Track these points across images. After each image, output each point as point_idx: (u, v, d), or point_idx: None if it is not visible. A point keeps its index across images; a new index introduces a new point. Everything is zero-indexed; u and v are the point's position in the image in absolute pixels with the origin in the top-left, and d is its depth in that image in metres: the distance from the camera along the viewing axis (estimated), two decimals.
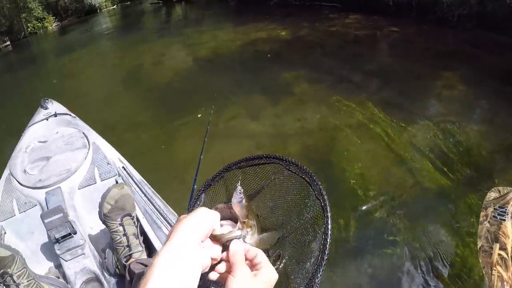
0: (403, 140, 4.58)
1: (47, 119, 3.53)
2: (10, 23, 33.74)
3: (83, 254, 2.12)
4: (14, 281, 1.94)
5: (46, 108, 3.74)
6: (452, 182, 3.83)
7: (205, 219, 0.74)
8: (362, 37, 8.93)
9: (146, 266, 0.90)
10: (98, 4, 39.22)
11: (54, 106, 3.81)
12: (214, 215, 0.76)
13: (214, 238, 0.78)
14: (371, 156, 4.41)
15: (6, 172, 2.87)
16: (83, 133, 3.11)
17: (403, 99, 5.58)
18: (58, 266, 2.21)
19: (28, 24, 34.49)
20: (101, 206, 2.12)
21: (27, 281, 1.98)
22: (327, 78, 6.68)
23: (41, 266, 2.26)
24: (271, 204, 1.28)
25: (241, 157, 1.35)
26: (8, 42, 30.85)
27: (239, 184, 0.88)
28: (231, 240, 0.79)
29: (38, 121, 3.54)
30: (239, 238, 0.81)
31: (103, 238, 2.34)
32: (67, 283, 2.09)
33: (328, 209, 1.07)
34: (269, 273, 0.82)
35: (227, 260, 0.78)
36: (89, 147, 2.91)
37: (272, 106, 6.00)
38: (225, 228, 0.81)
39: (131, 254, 2.08)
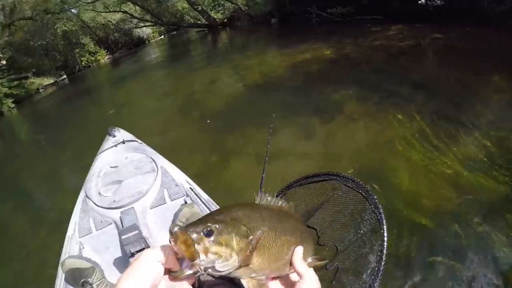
0: (454, 151, 4.49)
1: (116, 145, 3.87)
2: (65, 58, 35.87)
3: None
4: None
5: (114, 136, 4.10)
6: (508, 191, 3.75)
7: (145, 271, 0.76)
8: (406, 48, 8.85)
9: (214, 278, 1.09)
10: (147, 36, 40.87)
11: (121, 134, 4.16)
12: (154, 266, 0.78)
13: (172, 276, 0.81)
14: (424, 169, 4.33)
15: (82, 195, 3.15)
16: (151, 157, 3.36)
17: (452, 109, 5.44)
18: None
19: (82, 58, 36.56)
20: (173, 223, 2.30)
21: None
22: (375, 94, 6.61)
23: (116, 277, 2.45)
24: (330, 219, 1.38)
25: (296, 176, 1.46)
26: (65, 76, 32.99)
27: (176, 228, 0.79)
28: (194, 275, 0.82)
29: (108, 148, 3.88)
30: (195, 275, 0.81)
31: None
32: None
33: (384, 222, 1.17)
34: None
35: None
36: (157, 171, 3.13)
37: (323, 125, 6.03)
38: (184, 264, 0.81)
39: None
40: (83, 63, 37.29)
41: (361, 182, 1.27)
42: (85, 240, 2.76)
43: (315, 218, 1.41)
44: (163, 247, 0.81)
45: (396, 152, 4.80)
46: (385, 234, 1.15)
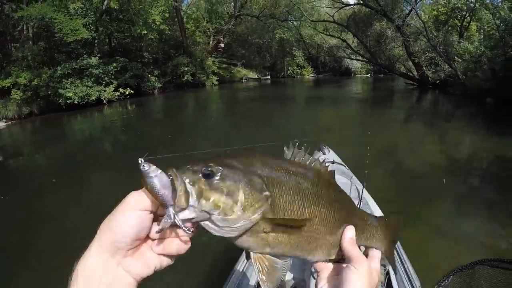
0: None
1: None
2: (274, 61, 39.40)
3: None
4: None
5: (324, 153, 4.29)
6: None
7: (128, 218, 0.60)
8: None
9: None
10: (354, 69, 42.51)
11: (331, 154, 4.34)
12: (138, 213, 0.61)
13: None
14: None
15: None
16: (356, 186, 3.40)
17: None
18: None
19: (289, 68, 39.74)
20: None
21: None
22: None
23: None
24: None
25: None
26: (269, 76, 36.56)
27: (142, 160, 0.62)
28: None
29: None
30: (169, 223, 0.61)
31: None
32: None
33: None
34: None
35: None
36: (360, 200, 3.16)
37: None
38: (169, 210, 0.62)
39: None
40: (288, 71, 40.69)
41: None
42: None
43: None
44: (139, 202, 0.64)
45: None
46: None
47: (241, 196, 0.64)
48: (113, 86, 19.57)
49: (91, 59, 18.74)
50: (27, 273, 4.11)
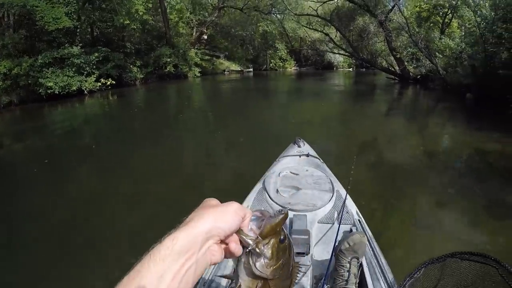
0: None
1: (299, 156, 4.10)
2: (257, 54, 39.23)
3: (304, 273, 2.39)
4: None
5: (299, 146, 4.37)
6: None
7: (233, 221, 0.75)
8: None
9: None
10: (337, 63, 42.67)
11: (306, 147, 4.39)
12: (238, 220, 0.77)
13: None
14: None
15: (259, 185, 3.35)
16: (330, 179, 3.45)
17: None
18: None
19: (271, 60, 39.77)
20: (341, 242, 2.42)
21: None
22: None
23: None
24: None
25: None
26: (251, 69, 36.49)
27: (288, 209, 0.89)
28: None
29: (291, 155, 4.13)
30: (247, 247, 0.80)
31: (320, 268, 2.55)
32: None
33: None
34: None
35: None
36: (333, 193, 3.21)
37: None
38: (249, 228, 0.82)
39: None
40: (271, 64, 40.65)
41: None
42: None
43: None
44: (254, 212, 0.84)
45: None
46: None
47: (279, 264, 0.83)
48: (95, 76, 19.15)
49: (72, 48, 18.28)
50: (9, 265, 4.01)
